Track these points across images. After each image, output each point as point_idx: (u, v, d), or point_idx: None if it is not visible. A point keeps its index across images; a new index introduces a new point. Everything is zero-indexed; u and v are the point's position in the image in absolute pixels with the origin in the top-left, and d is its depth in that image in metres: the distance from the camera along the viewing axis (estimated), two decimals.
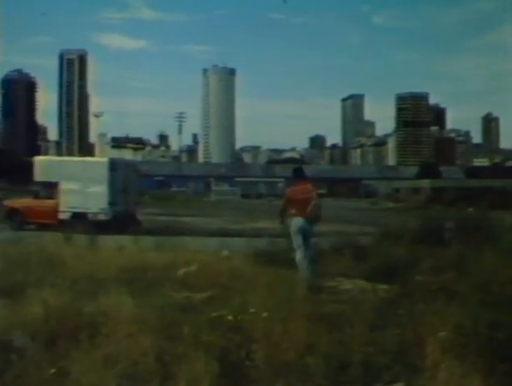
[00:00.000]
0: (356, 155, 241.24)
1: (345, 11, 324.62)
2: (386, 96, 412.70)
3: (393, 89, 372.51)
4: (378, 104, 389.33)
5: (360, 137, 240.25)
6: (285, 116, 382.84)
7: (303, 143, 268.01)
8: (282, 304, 6.27)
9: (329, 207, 49.27)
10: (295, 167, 11.52)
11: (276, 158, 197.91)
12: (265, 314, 5.88)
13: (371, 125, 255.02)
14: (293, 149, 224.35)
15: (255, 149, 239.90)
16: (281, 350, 5.21)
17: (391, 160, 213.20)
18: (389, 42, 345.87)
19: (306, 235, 9.99)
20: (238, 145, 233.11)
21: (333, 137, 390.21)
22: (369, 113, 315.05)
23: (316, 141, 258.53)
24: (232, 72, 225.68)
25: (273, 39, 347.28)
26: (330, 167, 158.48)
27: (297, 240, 9.83)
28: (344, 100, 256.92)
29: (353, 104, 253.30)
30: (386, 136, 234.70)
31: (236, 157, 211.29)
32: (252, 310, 6.04)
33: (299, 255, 9.68)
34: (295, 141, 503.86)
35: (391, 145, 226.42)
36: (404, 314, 6.46)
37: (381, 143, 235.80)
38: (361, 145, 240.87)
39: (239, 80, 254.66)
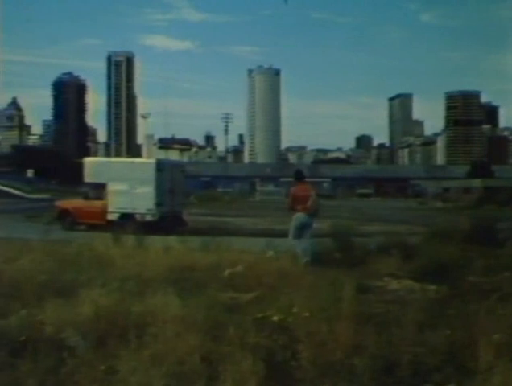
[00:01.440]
0: (403, 155, 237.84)
1: (392, 10, 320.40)
2: (435, 95, 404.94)
3: (442, 88, 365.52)
4: (427, 103, 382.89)
5: (408, 136, 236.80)
6: (331, 116, 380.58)
7: (349, 143, 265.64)
8: (328, 304, 6.22)
9: (376, 207, 48.94)
10: (296, 170, 13.90)
11: (322, 158, 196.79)
12: (310, 314, 5.83)
13: (419, 124, 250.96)
14: (339, 149, 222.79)
15: (301, 150, 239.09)
16: (327, 350, 5.16)
17: (440, 159, 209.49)
18: (437, 40, 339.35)
19: (306, 227, 12.20)
20: (284, 145, 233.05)
21: (380, 137, 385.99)
22: (417, 112, 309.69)
23: (363, 141, 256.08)
24: (277, 73, 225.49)
25: (318, 39, 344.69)
26: (377, 167, 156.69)
27: (295, 231, 12.14)
28: (391, 99, 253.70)
29: (400, 104, 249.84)
30: (435, 135, 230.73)
31: (281, 157, 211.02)
32: (297, 311, 6.00)
33: (297, 243, 11.88)
34: (340, 141, 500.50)
35: (440, 144, 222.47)
36: (455, 315, 6.32)
37: (429, 142, 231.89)
38: (409, 145, 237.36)
39: (284, 81, 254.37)
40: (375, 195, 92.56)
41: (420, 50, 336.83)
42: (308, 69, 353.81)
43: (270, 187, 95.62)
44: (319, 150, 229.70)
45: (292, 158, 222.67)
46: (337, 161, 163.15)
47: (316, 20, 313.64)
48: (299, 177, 13.50)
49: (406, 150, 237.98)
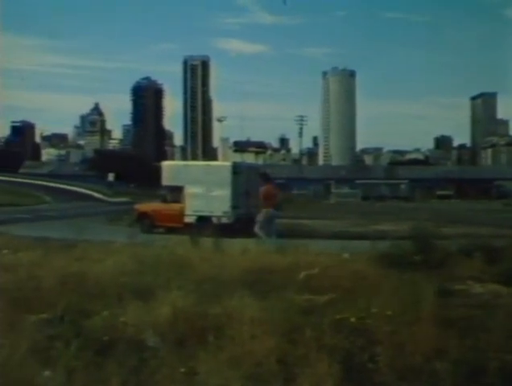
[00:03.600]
0: (486, 155, 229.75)
1: (471, 5, 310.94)
2: None
3: None
4: None
5: (491, 136, 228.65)
6: (407, 116, 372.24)
7: (427, 144, 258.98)
8: (407, 306, 6.09)
9: (457, 209, 47.56)
10: (262, 173, 17.23)
11: (399, 160, 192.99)
12: (389, 317, 5.73)
13: (504, 123, 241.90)
14: (417, 150, 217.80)
15: (377, 151, 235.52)
16: (406, 353, 5.05)
17: None
18: None
19: (273, 219, 15.47)
20: (359, 147, 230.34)
21: (461, 138, 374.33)
22: (502, 112, 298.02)
23: (442, 142, 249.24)
24: (352, 74, 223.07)
25: (393, 39, 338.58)
26: (458, 168, 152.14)
27: (263, 224, 14.97)
28: (473, 98, 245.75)
29: (483, 103, 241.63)
30: None
31: (357, 159, 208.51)
32: (376, 312, 5.91)
33: (263, 233, 14.64)
34: (418, 142, 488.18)
35: None
36: None
37: None
38: (493, 145, 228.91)
39: (360, 82, 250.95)
40: (456, 196, 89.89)
41: (504, 46, 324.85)
42: (385, 70, 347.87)
43: (346, 189, 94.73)
44: (395, 152, 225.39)
45: (368, 159, 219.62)
46: (415, 162, 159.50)
47: (392, 20, 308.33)
48: (266, 179, 16.23)
49: (490, 151, 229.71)
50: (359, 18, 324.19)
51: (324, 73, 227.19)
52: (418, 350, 5.09)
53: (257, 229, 15.01)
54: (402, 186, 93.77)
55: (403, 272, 8.85)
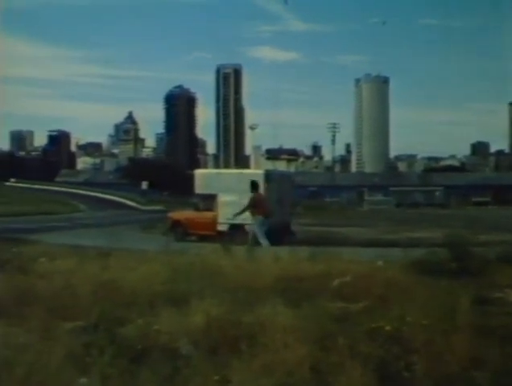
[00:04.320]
0: None
1: (508, 10, 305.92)
2: None
3: None
4: None
5: None
6: (442, 123, 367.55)
7: (463, 150, 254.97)
8: (443, 314, 6.01)
9: (494, 216, 46.72)
10: (252, 181, 16.75)
11: (434, 166, 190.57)
12: (425, 325, 5.66)
13: None
14: (452, 157, 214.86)
15: (411, 158, 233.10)
16: (443, 362, 4.98)
17: None
18: None
19: (262, 227, 15.89)
20: (393, 153, 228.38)
21: (498, 144, 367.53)
22: None
23: (479, 148, 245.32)
24: (385, 81, 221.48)
25: (427, 45, 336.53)
26: (495, 174, 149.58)
27: (260, 230, 15.71)
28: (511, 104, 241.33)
29: None
30: None
31: (390, 166, 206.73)
32: (411, 321, 5.84)
33: (261, 238, 15.40)
34: (454, 148, 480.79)
35: None
36: None
37: None
38: None
39: (393, 88, 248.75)
40: (493, 203, 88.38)
41: None
42: (419, 76, 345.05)
43: (379, 196, 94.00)
44: (430, 158, 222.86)
45: (402, 166, 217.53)
46: (451, 169, 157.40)
47: (426, 26, 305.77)
48: (255, 188, 16.74)
49: None
50: (392, 24, 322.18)
51: (357, 80, 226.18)
52: (455, 359, 5.01)
53: (261, 240, 15.46)
54: (437, 193, 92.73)
55: (439, 279, 8.73)
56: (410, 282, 8.45)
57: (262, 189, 21.55)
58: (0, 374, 4.64)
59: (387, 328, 5.82)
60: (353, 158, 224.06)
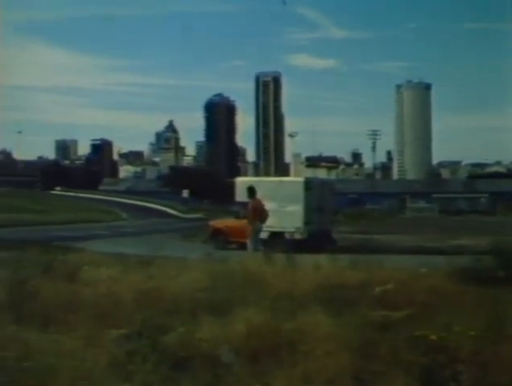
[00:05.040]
0: None
1: None
2: None
3: None
4: None
5: None
6: (487, 128, 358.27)
7: (509, 156, 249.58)
8: (491, 323, 5.88)
9: None
10: (248, 188, 17.45)
11: (479, 173, 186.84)
12: (472, 334, 5.55)
13: None
14: (498, 163, 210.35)
15: (454, 164, 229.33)
16: (491, 372, 4.88)
17: None
18: None
19: (259, 232, 16.74)
20: (435, 160, 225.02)
21: None
22: None
23: None
24: (427, 87, 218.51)
25: (469, 50, 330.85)
26: None
27: (256, 235, 16.44)
28: None
29: None
30: None
31: (433, 172, 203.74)
32: (457, 330, 5.74)
33: (254, 243, 16.12)
34: (499, 154, 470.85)
35: None
36: None
37: None
38: None
39: (435, 94, 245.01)
40: None
41: None
42: (462, 82, 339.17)
43: (421, 204, 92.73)
44: (474, 165, 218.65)
45: (445, 173, 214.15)
46: (496, 175, 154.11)
47: (468, 30, 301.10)
48: (253, 194, 17.31)
49: None
50: (432, 29, 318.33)
51: (398, 86, 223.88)
52: (503, 369, 4.91)
53: (258, 246, 16.05)
54: (483, 200, 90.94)
55: (485, 288, 8.56)
56: (455, 290, 8.32)
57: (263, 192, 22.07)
58: (46, 380, 4.74)
59: (432, 337, 5.73)
60: (395, 164, 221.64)
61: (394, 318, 7.13)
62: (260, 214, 16.72)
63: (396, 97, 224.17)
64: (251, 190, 17.58)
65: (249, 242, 16.43)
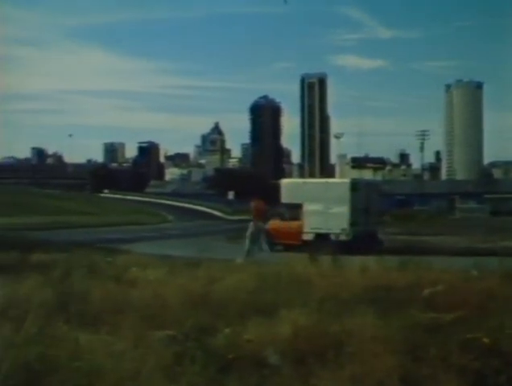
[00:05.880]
0: None
1: None
2: None
3: None
4: None
5: None
6: None
7: None
8: None
9: None
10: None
11: None
12: None
13: None
14: None
15: (507, 165, 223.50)
16: None
17: None
18: None
19: (261, 231, 18.00)
20: (486, 160, 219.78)
21: None
22: None
23: None
24: (479, 86, 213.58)
25: None
26: None
27: (253, 235, 17.32)
28: None
29: None
30: None
31: (484, 173, 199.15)
32: (511, 332, 5.58)
33: (250, 245, 17.33)
34: None
35: None
36: None
37: None
38: None
39: (487, 93, 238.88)
40: None
41: None
42: None
43: (471, 204, 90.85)
44: None
45: (497, 173, 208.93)
46: None
47: None
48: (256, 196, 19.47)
49: None
50: (482, 27, 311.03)
51: (448, 86, 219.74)
52: None
53: (247, 240, 17.49)
54: None
55: None
56: (508, 292, 8.10)
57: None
58: (96, 380, 4.80)
59: (485, 340, 5.57)
60: (444, 165, 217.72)
61: (444, 320, 6.98)
62: (262, 214, 18.35)
63: (445, 97, 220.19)
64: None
65: (247, 241, 17.63)
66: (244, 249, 17.18)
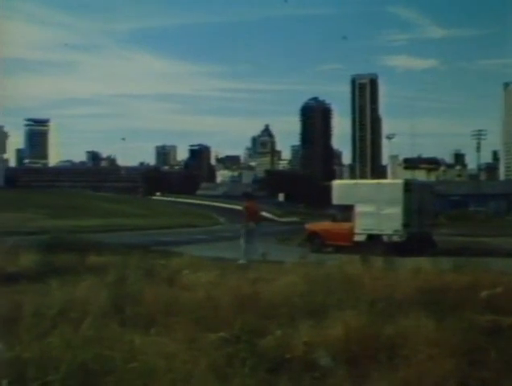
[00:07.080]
0: None
1: None
2: None
3: None
4: None
5: None
6: None
7: None
8: None
9: None
10: (245, 192, 23.78)
11: None
12: None
13: None
14: None
15: None
16: None
17: None
18: None
19: (255, 232, 17.69)
20: None
21: None
22: None
23: None
24: None
25: None
26: None
27: (246, 236, 17.29)
28: None
29: None
30: None
31: None
32: None
33: (244, 245, 17.14)
34: None
35: None
36: None
37: None
38: None
39: None
40: None
41: None
42: None
43: None
44: None
45: None
46: None
47: None
48: (249, 197, 20.70)
49: None
50: None
51: (506, 84, 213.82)
52: None
53: (246, 244, 17.23)
54: None
55: None
56: None
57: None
58: (150, 381, 4.86)
59: None
60: (501, 165, 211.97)
61: (503, 323, 6.79)
62: (254, 215, 18.23)
63: (504, 95, 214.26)
64: (247, 195, 21.98)
65: (242, 241, 17.58)
66: (242, 250, 17.10)
